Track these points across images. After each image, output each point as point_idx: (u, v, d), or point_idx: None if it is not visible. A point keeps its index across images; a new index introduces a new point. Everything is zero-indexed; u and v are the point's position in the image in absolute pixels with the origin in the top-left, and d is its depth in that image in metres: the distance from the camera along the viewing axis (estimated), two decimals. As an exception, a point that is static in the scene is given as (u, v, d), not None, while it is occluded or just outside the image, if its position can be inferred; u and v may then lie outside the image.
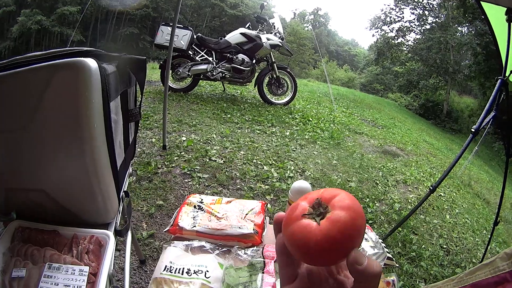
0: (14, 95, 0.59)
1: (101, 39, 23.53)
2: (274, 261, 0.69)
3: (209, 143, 3.18)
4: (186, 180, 2.48)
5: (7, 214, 0.69)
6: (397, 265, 0.81)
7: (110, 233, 0.71)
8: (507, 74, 1.65)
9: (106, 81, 0.63)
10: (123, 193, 0.94)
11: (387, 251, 0.84)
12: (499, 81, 1.63)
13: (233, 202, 0.96)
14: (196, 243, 0.77)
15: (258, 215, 0.91)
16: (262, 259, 0.71)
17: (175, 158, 2.75)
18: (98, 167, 0.66)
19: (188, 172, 2.57)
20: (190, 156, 2.80)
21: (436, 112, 15.96)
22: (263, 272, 0.67)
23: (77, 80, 0.59)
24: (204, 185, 2.46)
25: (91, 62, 0.60)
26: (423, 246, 2.38)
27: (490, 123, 1.68)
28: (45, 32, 21.71)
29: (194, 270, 0.68)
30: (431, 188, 1.91)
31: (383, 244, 0.86)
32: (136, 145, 2.78)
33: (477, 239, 2.84)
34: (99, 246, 0.68)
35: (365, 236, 0.86)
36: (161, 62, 4.91)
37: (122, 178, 0.91)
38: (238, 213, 0.90)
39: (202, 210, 0.90)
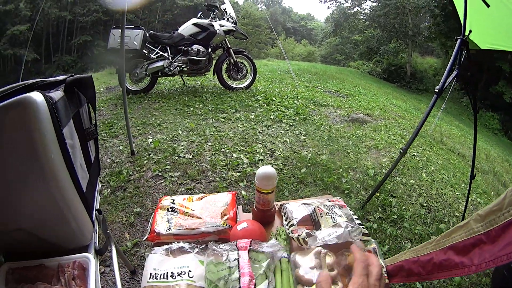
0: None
1: (56, 53, 22.19)
2: (248, 251, 0.71)
3: (176, 140, 3.12)
4: (159, 182, 2.44)
5: (-4, 259, 0.72)
6: (373, 240, 0.83)
7: (90, 255, 0.76)
8: (466, 34, 1.73)
9: (54, 110, 0.64)
10: (96, 212, 0.97)
11: (362, 227, 0.83)
12: (458, 40, 1.73)
13: (204, 198, 0.98)
14: (175, 245, 0.79)
15: (229, 207, 0.93)
16: (237, 250, 0.72)
17: (145, 161, 2.69)
18: (64, 194, 0.68)
19: (159, 174, 2.53)
20: (159, 157, 2.75)
21: (400, 75, 16.22)
22: (238, 263, 0.69)
23: (26, 117, 0.59)
24: (177, 183, 2.43)
25: (37, 96, 0.61)
26: (403, 207, 2.40)
27: (454, 81, 1.77)
28: (-2, 57, 20.09)
29: (177, 273, 0.71)
30: (401, 150, 1.95)
31: (358, 221, 0.86)
32: (105, 156, 2.74)
33: (456, 193, 2.87)
34: (83, 270, 0.73)
35: (339, 213, 0.86)
36: (117, 67, 4.73)
37: (91, 199, 0.94)
38: (210, 209, 0.92)
39: (175, 212, 0.91)
